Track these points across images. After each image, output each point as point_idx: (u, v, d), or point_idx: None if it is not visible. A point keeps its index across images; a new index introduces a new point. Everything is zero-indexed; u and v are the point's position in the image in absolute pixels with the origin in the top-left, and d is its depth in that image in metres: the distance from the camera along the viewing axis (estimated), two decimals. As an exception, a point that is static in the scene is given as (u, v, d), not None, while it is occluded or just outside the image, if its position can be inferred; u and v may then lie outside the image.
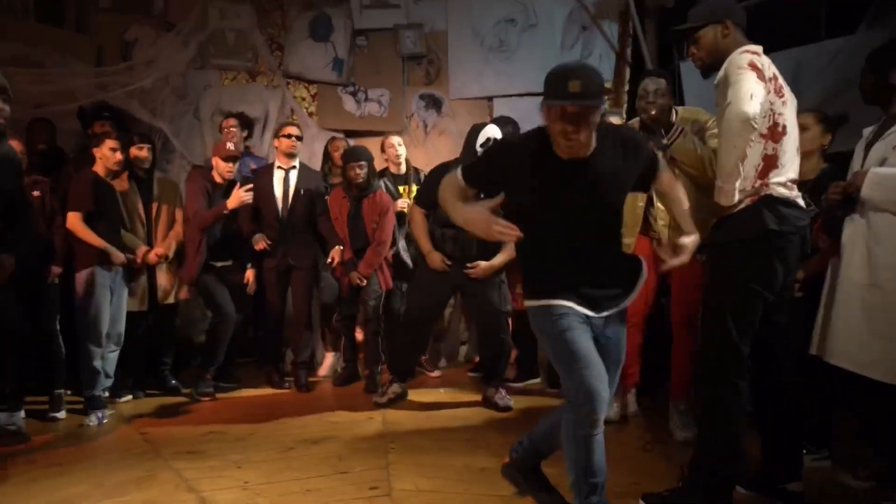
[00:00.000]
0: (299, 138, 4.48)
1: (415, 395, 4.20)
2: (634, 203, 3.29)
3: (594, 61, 5.70)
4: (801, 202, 2.41)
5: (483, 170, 2.30)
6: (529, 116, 5.71)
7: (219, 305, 4.19)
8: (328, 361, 4.89)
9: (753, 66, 2.27)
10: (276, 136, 4.54)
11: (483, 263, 3.90)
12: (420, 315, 4.09)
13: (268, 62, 5.86)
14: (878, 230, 2.47)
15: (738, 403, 2.37)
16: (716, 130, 2.75)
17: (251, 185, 4.19)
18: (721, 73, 2.37)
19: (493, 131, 3.84)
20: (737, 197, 2.31)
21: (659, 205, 3.23)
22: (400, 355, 4.18)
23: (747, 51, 2.33)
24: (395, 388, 4.10)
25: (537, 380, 4.53)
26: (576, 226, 2.12)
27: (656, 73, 3.47)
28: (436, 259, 3.92)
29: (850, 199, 2.55)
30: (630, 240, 3.27)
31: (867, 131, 2.69)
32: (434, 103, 5.85)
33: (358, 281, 4.31)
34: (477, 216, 2.12)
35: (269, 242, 4.35)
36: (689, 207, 2.32)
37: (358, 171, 4.28)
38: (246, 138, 5.13)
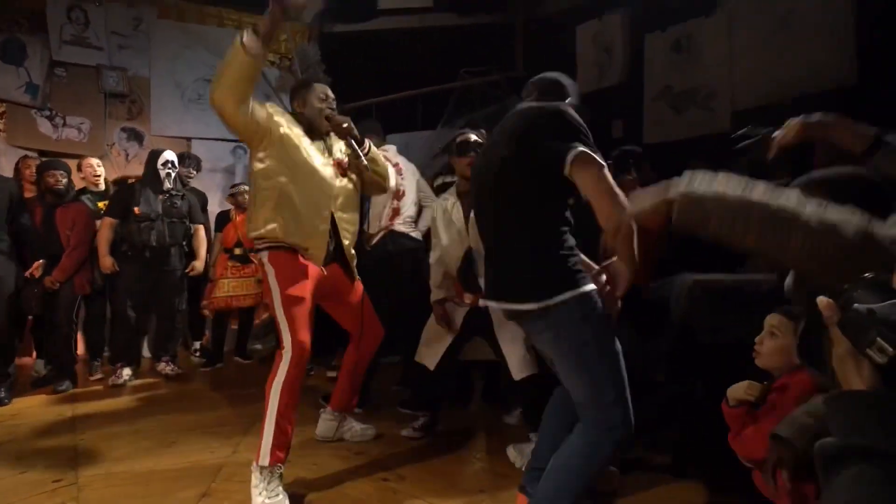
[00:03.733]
0: None
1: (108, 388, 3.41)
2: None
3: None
4: (416, 234, 2.68)
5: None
6: (224, 156, 5.27)
7: None
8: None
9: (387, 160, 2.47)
10: None
11: (198, 264, 3.63)
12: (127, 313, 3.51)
13: (-58, 74, 4.18)
14: None
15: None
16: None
17: None
18: None
19: (169, 155, 3.64)
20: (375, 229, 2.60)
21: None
22: (124, 345, 3.56)
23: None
24: (127, 370, 3.49)
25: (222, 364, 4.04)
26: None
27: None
28: (107, 262, 3.44)
29: None
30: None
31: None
32: (136, 136, 4.89)
33: (50, 285, 3.33)
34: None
35: None
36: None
37: (59, 178, 3.39)
38: None
